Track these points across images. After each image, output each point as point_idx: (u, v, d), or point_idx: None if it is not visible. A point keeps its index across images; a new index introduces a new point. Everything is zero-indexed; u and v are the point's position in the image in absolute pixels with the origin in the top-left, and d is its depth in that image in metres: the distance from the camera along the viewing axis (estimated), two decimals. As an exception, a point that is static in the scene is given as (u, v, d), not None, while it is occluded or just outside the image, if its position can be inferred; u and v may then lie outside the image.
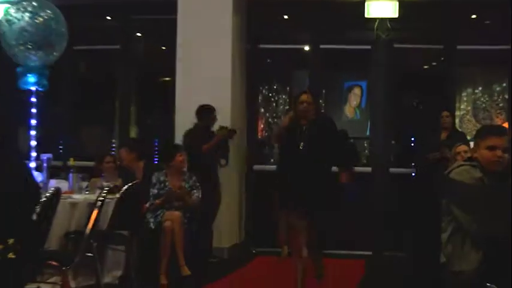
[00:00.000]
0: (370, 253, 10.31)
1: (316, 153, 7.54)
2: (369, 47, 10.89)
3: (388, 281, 8.19)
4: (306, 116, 7.65)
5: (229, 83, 9.90)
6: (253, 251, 10.11)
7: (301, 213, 7.52)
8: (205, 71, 9.81)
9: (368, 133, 11.46)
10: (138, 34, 11.74)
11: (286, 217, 8.20)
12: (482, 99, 11.99)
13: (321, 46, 11.13)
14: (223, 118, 9.56)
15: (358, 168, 11.95)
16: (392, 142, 11.30)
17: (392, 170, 10.79)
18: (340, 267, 9.38)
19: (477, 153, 4.85)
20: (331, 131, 7.89)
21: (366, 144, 12.12)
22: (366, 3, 10.40)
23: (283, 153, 8.01)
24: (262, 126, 11.36)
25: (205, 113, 9.33)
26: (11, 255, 4.84)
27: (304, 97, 7.68)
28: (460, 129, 10.40)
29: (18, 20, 8.13)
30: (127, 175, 8.79)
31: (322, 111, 8.60)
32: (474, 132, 5.52)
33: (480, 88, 12.03)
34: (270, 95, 12.33)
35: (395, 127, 11.33)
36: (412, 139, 11.93)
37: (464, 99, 11.99)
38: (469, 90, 12.07)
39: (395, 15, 10.42)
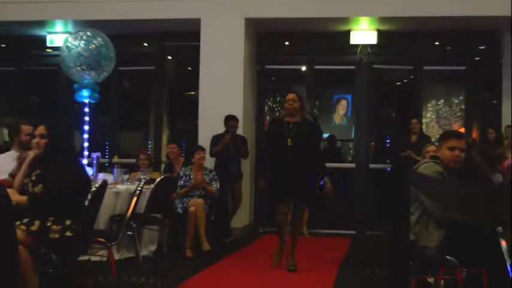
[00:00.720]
0: (354, 232, 10.30)
1: (304, 150, 6.99)
2: (353, 67, 10.86)
3: (369, 255, 8.17)
4: (292, 113, 7.11)
5: (241, 96, 9.89)
6: (260, 231, 10.09)
7: (286, 207, 7.09)
8: (222, 86, 9.81)
9: (353, 136, 11.44)
10: (169, 57, 11.74)
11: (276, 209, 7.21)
12: (443, 109, 12.00)
13: (315, 67, 11.13)
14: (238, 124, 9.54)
15: (344, 164, 12.02)
16: (372, 143, 11.28)
17: (371, 165, 10.78)
18: (329, 243, 9.40)
19: (440, 152, 4.89)
20: (315, 134, 7.31)
21: (350, 145, 12.12)
22: (350, 33, 10.44)
23: (272, 149, 7.16)
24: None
25: (226, 120, 9.34)
26: (68, 234, 4.86)
27: (291, 96, 7.19)
28: (426, 133, 10.38)
29: (76, 46, 8.14)
30: (168, 167, 8.88)
31: (309, 117, 7.42)
32: (438, 136, 5.52)
33: (442, 100, 12.04)
34: (274, 106, 12.31)
35: (374, 131, 11.33)
36: (388, 141, 11.92)
37: (429, 109, 11.97)
38: (433, 102, 12.05)
39: (375, 42, 10.46)
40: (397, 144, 10.08)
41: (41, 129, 5.08)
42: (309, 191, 7.09)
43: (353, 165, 11.03)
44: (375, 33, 10.41)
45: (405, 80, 12.14)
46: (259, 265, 7.40)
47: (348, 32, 10.45)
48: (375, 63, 10.83)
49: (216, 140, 9.26)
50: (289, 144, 6.99)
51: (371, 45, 10.55)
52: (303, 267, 7.27)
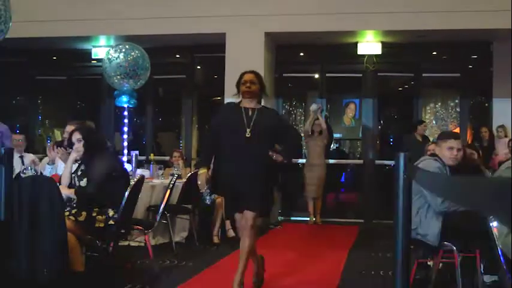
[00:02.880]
0: (362, 221, 10.26)
1: (265, 144, 4.99)
2: (360, 75, 10.84)
3: (376, 241, 8.14)
4: (250, 97, 5.15)
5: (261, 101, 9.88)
6: (279, 219, 10.07)
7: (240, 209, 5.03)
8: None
9: (360, 136, 11.39)
10: (198, 67, 11.76)
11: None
12: (440, 111, 11.95)
13: (327, 74, 11.10)
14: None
15: (353, 161, 11.99)
16: (377, 142, 11.23)
17: (377, 161, 10.73)
18: (339, 231, 9.38)
19: (439, 151, 4.88)
20: (277, 120, 5.27)
21: (358, 144, 12.08)
22: (357, 44, 10.42)
23: (224, 140, 5.02)
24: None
25: None
26: (111, 222, 4.89)
27: (248, 76, 5.26)
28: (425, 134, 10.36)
29: (116, 58, 8.18)
30: (197, 164, 8.91)
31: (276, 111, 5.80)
32: (435, 135, 5.49)
33: (439, 104, 12.00)
34: (291, 109, 12.33)
35: (379, 131, 11.28)
36: (391, 139, 11.88)
37: (428, 111, 11.92)
38: (431, 105, 12.01)
39: (379, 52, 10.42)
40: (403, 142, 10.00)
41: (76, 135, 5.14)
42: (260, 197, 5.03)
43: (361, 161, 10.98)
44: (380, 45, 10.39)
45: (406, 86, 12.10)
46: (277, 250, 7.39)
47: (355, 44, 10.43)
48: (379, 71, 10.79)
49: None
50: (247, 135, 5.01)
51: (376, 55, 10.52)
52: (316, 251, 7.27)
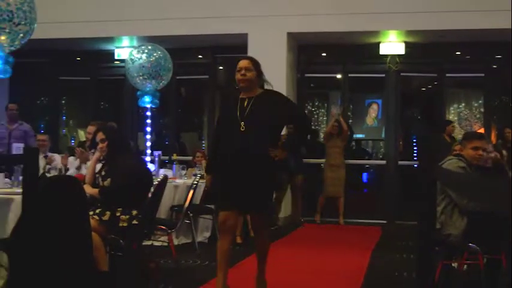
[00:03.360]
0: (385, 222, 10.20)
1: (261, 136, 4.53)
2: (383, 75, 10.80)
3: (399, 242, 8.10)
4: (246, 86, 4.66)
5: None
6: (302, 220, 10.04)
7: (232, 217, 4.64)
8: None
9: (383, 136, 11.34)
10: (220, 68, 11.77)
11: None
12: (464, 112, 11.86)
13: (349, 75, 11.07)
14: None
15: (375, 161, 11.92)
16: (400, 142, 11.16)
17: (400, 162, 10.67)
18: (362, 231, 9.33)
19: (464, 151, 4.85)
20: (280, 103, 4.71)
21: (381, 144, 12.03)
22: (380, 45, 10.38)
23: (222, 135, 4.70)
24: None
25: None
26: (134, 222, 4.91)
27: (243, 63, 4.71)
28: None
29: (138, 59, 8.22)
30: None
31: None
32: (460, 136, 5.45)
33: (463, 104, 11.91)
34: (313, 109, 12.31)
35: (402, 131, 11.22)
36: (414, 140, 11.82)
37: (452, 112, 11.83)
38: (455, 105, 11.93)
39: (402, 52, 10.39)
40: (435, 143, 9.93)
41: (100, 135, 5.16)
42: (260, 197, 4.66)
43: (383, 162, 10.93)
44: (403, 45, 10.36)
45: (429, 86, 12.02)
46: (301, 250, 7.38)
47: (377, 44, 10.40)
48: (402, 72, 10.74)
49: None
50: (241, 129, 4.54)
51: (399, 55, 10.48)
52: (339, 252, 7.24)
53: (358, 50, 10.73)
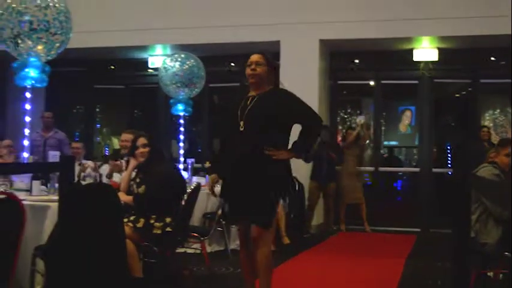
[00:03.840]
0: (418, 230, 10.10)
1: (259, 137, 4.10)
2: (416, 81, 10.73)
3: (433, 251, 8.02)
4: (256, 82, 4.26)
5: (316, 107, 9.80)
6: (334, 228, 9.99)
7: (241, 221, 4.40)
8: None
9: (416, 143, 11.25)
10: (253, 75, 11.77)
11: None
12: (499, 118, 11.71)
13: (382, 81, 11.02)
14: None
15: (409, 169, 11.82)
16: (434, 150, 11.06)
17: (434, 169, 10.58)
18: (395, 240, 9.25)
19: (497, 157, 4.79)
20: (287, 101, 4.22)
21: (415, 151, 11.93)
22: (413, 51, 10.32)
23: (226, 135, 4.44)
24: (339, 138, 11.25)
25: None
26: (168, 229, 4.94)
27: (253, 57, 4.33)
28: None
29: (172, 67, 8.31)
30: None
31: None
32: (495, 142, 5.39)
33: (498, 110, 11.75)
34: (346, 116, 12.27)
35: (436, 138, 11.12)
36: (448, 147, 11.70)
37: (487, 118, 11.68)
38: (490, 111, 11.77)
39: (436, 58, 10.31)
40: (472, 150, 9.85)
41: (142, 140, 5.21)
42: (255, 207, 4.18)
43: (417, 169, 10.85)
44: (436, 51, 10.27)
45: (463, 92, 11.88)
46: (334, 259, 7.35)
47: (411, 50, 10.33)
48: (436, 78, 10.65)
49: None
50: (240, 129, 4.18)
51: (432, 62, 10.40)
52: (372, 260, 7.20)
53: (391, 56, 10.69)
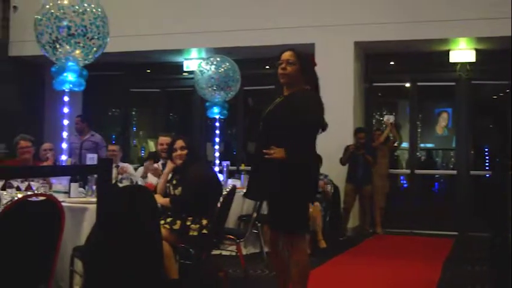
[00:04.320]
0: (456, 233, 9.97)
1: (276, 139, 3.98)
2: (453, 83, 10.60)
3: (472, 254, 7.92)
4: (286, 81, 4.20)
5: (351, 110, 9.82)
6: (370, 230, 9.92)
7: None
8: (334, 102, 9.65)
9: (454, 145, 11.11)
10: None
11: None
12: (539, 120, 11.49)
13: (418, 83, 10.91)
14: (348, 135, 9.59)
15: (446, 171, 11.68)
16: (472, 152, 10.91)
17: (472, 172, 10.44)
18: (433, 243, 9.15)
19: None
20: (293, 109, 4.08)
21: (452, 154, 11.77)
22: (450, 52, 10.20)
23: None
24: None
25: (354, 132, 9.59)
26: (204, 231, 4.96)
27: (284, 55, 4.22)
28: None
29: (207, 70, 8.36)
30: None
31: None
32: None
33: (538, 111, 11.54)
34: (381, 119, 12.16)
35: (473, 141, 10.97)
36: (486, 149, 11.53)
37: (525, 120, 11.49)
38: (529, 113, 11.57)
39: (473, 60, 10.17)
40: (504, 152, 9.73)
41: (180, 143, 5.24)
42: (274, 211, 4.16)
43: (454, 172, 10.72)
44: (473, 52, 10.13)
45: (501, 94, 11.71)
46: (370, 262, 7.30)
47: (447, 52, 10.21)
48: (473, 79, 10.51)
49: (345, 150, 9.42)
50: (260, 129, 4.12)
51: (469, 63, 10.26)
52: (410, 264, 7.13)
53: (427, 58, 10.58)
